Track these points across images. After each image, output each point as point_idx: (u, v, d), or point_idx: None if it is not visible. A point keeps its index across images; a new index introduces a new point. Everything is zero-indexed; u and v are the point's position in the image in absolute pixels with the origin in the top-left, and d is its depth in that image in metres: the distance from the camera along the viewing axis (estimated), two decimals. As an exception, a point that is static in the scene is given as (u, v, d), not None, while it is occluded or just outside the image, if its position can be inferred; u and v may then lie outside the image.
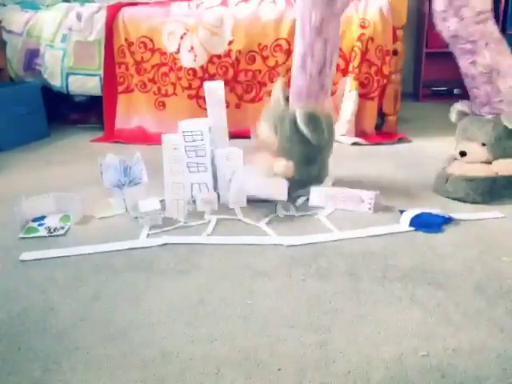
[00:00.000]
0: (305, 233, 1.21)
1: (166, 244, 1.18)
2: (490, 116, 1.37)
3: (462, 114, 1.47)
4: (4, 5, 2.58)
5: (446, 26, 1.31)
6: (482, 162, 1.38)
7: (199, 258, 1.10)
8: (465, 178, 1.37)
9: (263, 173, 1.38)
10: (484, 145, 1.37)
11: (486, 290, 0.94)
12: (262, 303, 0.92)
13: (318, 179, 1.45)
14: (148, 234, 1.23)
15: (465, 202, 1.36)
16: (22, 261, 1.11)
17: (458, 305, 0.89)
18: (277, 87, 1.45)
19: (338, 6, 1.34)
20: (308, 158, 1.40)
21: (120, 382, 0.72)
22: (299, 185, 1.42)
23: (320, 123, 1.34)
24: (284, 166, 1.37)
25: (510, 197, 1.37)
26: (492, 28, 1.31)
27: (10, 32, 2.46)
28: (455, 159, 1.45)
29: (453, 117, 1.49)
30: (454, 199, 1.38)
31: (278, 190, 1.36)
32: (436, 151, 1.98)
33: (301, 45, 1.36)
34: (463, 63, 1.37)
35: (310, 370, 0.74)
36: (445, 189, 1.42)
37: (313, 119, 1.33)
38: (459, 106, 1.48)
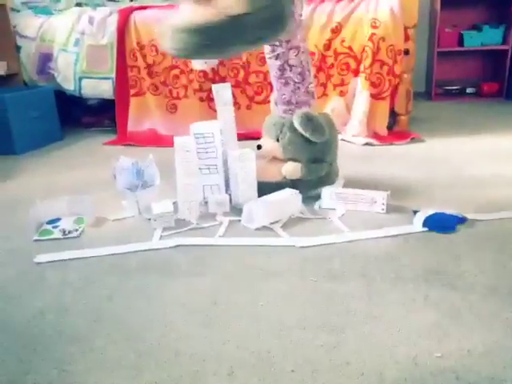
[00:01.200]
0: (317, 234, 1.21)
1: (179, 246, 1.18)
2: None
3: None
4: (18, 11, 2.62)
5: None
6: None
7: (211, 260, 1.11)
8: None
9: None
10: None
11: (500, 290, 0.93)
12: (275, 304, 0.92)
13: (329, 180, 1.46)
14: (161, 236, 1.24)
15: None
16: (37, 263, 1.13)
17: (472, 306, 0.89)
18: (273, 99, 1.50)
19: (299, 11, 1.37)
20: (315, 159, 1.41)
21: (134, 383, 0.73)
22: (309, 186, 1.42)
23: (318, 122, 1.35)
24: (292, 167, 1.39)
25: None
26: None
27: (23, 37, 2.50)
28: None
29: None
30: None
31: (295, 205, 1.36)
32: (449, 151, 1.97)
33: (273, 58, 1.41)
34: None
35: (323, 372, 0.73)
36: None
37: (310, 119, 1.34)
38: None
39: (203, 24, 1.11)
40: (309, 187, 1.42)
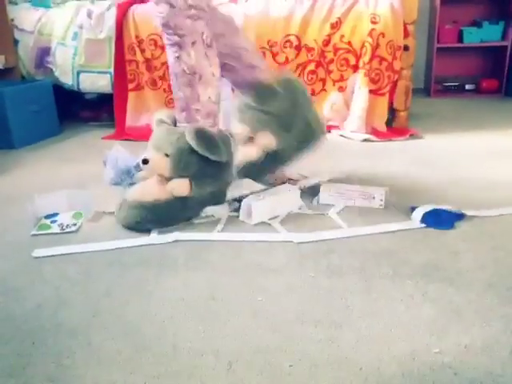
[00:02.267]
0: (315, 230, 1.21)
1: (177, 241, 1.18)
2: (185, 124, 1.26)
3: (162, 123, 1.31)
4: (15, 3, 2.60)
5: (158, 11, 1.20)
6: (160, 178, 1.27)
7: (210, 255, 1.11)
8: (135, 204, 1.24)
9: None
10: (167, 156, 1.25)
11: (499, 286, 0.93)
12: (273, 300, 0.92)
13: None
14: (159, 231, 1.23)
15: (137, 230, 1.23)
16: (35, 257, 1.12)
17: (470, 301, 0.89)
18: (159, 116, 1.32)
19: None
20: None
21: (132, 377, 0.73)
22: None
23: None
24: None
25: (186, 219, 1.28)
26: (203, 29, 1.23)
27: (21, 30, 2.48)
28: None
29: (154, 125, 1.32)
30: (128, 228, 1.25)
31: (294, 201, 1.35)
32: (448, 147, 1.97)
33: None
34: (170, 57, 1.26)
35: (321, 367, 0.74)
36: (119, 216, 1.28)
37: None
38: (163, 116, 1.31)
39: (152, 202, 1.23)
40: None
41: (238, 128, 1.41)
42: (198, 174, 1.26)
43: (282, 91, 1.36)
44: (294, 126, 1.41)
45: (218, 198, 1.32)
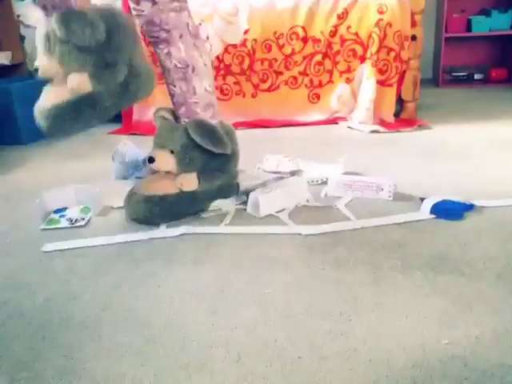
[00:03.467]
0: (323, 222, 1.20)
1: (185, 234, 1.18)
2: (186, 119, 1.25)
3: (164, 120, 1.30)
4: (21, 0, 2.61)
5: (140, 9, 1.18)
6: (168, 172, 1.26)
7: (218, 248, 1.11)
8: (144, 198, 1.23)
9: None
10: (172, 152, 1.24)
11: (509, 277, 0.92)
12: (281, 292, 0.92)
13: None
14: (167, 225, 1.24)
15: (146, 224, 1.24)
16: (45, 252, 1.13)
17: (480, 292, 0.88)
18: (159, 113, 1.31)
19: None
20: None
21: (142, 370, 0.73)
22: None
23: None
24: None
25: (194, 213, 1.28)
26: (187, 20, 1.21)
27: (27, 26, 2.49)
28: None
29: (156, 123, 1.31)
30: (137, 222, 1.25)
31: (301, 193, 1.35)
32: (456, 138, 1.95)
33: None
34: (160, 54, 1.24)
35: (330, 359, 0.73)
36: (128, 210, 1.27)
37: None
38: (163, 113, 1.30)
39: (161, 196, 1.23)
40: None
41: (43, 60, 1.17)
42: (204, 169, 1.26)
43: (101, 23, 1.09)
44: (116, 68, 1.14)
45: (226, 191, 1.32)
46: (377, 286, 0.92)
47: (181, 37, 1.21)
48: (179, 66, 1.22)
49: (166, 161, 1.25)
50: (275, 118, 2.33)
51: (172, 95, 1.27)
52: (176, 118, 1.29)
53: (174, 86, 1.25)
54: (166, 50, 1.22)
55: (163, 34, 1.20)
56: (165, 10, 1.17)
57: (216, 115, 1.29)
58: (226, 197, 1.32)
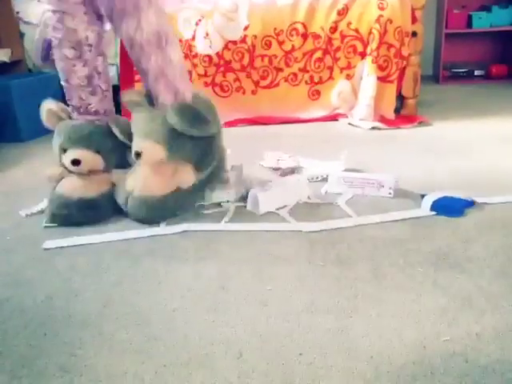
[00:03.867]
0: (324, 219, 1.20)
1: (186, 231, 1.18)
2: (166, 95, 1.20)
3: (135, 104, 1.24)
4: (21, -4, 2.60)
5: None
6: (161, 161, 1.21)
7: (218, 245, 1.11)
8: (142, 199, 1.21)
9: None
10: (159, 142, 1.19)
11: (510, 274, 0.93)
12: (282, 289, 0.92)
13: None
14: (167, 222, 1.24)
15: (148, 224, 1.22)
16: (46, 249, 1.13)
17: (481, 289, 0.88)
18: (128, 97, 1.26)
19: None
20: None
21: (144, 367, 0.73)
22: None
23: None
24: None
25: (195, 205, 1.29)
26: None
27: (27, 23, 2.48)
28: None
29: (128, 108, 1.25)
30: (137, 221, 1.24)
31: (302, 190, 1.34)
32: (457, 134, 1.95)
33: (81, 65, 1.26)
34: (127, 31, 1.17)
35: (331, 355, 0.74)
36: (128, 210, 1.24)
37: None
38: (133, 96, 1.25)
39: (160, 197, 1.22)
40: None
41: (55, 170, 1.31)
42: (193, 154, 1.23)
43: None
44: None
45: (218, 174, 1.32)
46: (378, 283, 0.92)
47: (149, 7, 1.15)
48: (153, 38, 1.16)
49: (154, 153, 1.20)
50: (275, 115, 2.32)
51: (145, 73, 1.21)
52: (150, 98, 1.24)
53: (148, 60, 1.19)
54: (134, 25, 1.15)
55: (130, 8, 1.14)
56: None
57: (190, 81, 1.25)
58: (220, 179, 1.32)
